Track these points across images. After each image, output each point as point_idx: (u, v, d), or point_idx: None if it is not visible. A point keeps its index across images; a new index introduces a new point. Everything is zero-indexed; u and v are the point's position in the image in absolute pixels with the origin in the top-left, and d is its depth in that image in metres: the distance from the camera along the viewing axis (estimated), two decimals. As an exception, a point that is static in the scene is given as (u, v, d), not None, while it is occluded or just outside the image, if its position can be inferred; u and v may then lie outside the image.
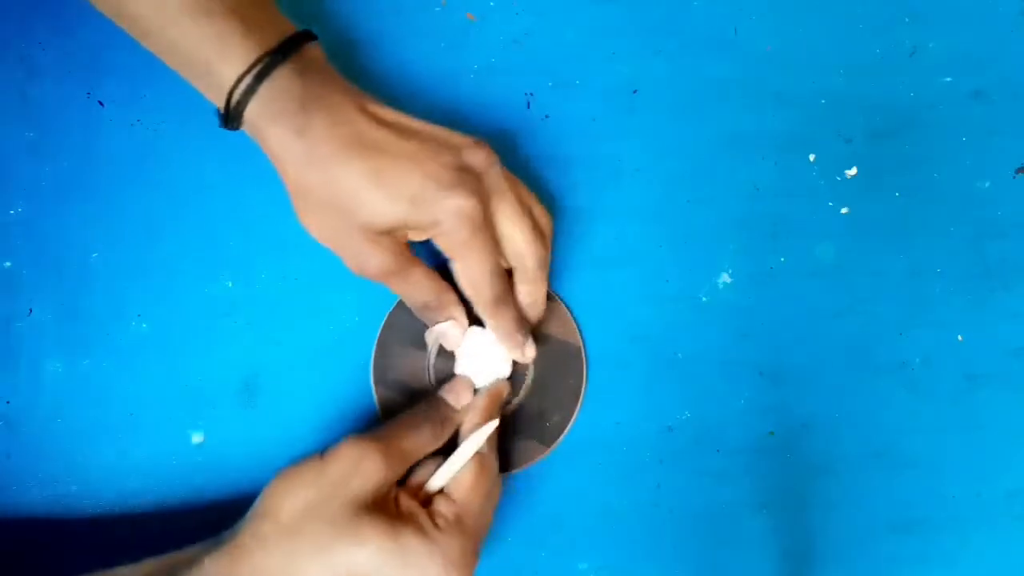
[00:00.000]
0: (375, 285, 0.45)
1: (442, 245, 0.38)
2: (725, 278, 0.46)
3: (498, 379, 0.43)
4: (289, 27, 0.38)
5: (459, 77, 0.46)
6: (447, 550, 0.35)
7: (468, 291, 0.39)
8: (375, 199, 0.36)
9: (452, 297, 0.41)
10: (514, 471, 0.44)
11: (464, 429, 0.40)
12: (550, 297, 0.43)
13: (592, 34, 0.47)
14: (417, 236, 0.38)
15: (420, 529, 0.35)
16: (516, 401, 0.44)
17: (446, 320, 0.41)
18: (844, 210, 0.47)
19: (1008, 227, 0.47)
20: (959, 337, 0.47)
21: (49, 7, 0.45)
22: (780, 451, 0.45)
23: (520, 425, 0.44)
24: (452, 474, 0.38)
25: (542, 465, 0.44)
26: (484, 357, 0.42)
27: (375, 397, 0.44)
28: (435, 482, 0.38)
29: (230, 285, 0.45)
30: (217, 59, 0.35)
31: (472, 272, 0.38)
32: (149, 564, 0.37)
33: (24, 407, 0.43)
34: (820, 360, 0.46)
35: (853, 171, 0.47)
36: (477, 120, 0.46)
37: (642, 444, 0.45)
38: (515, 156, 0.46)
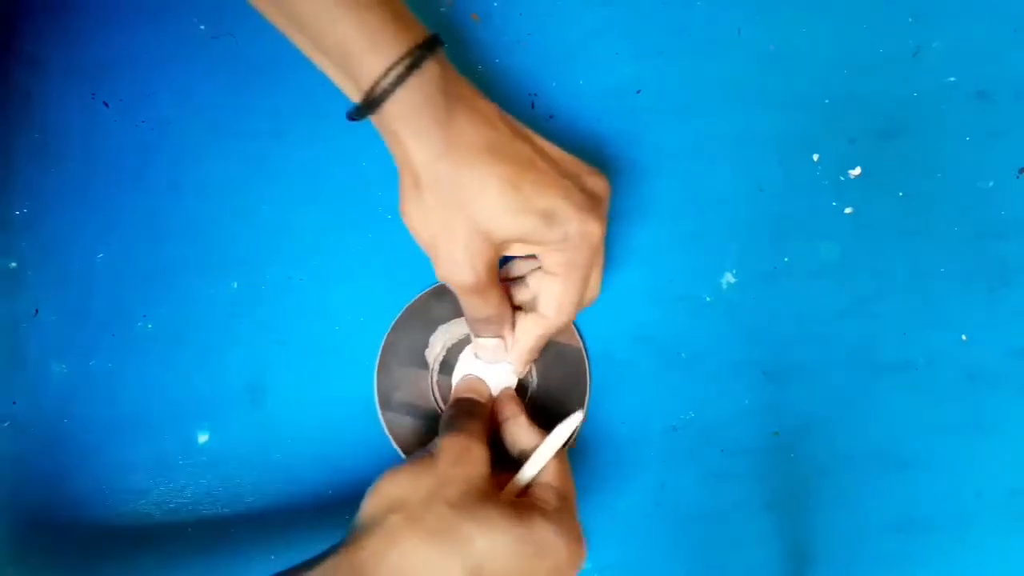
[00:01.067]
0: (378, 285, 0.45)
1: (551, 261, 0.38)
2: (729, 278, 0.46)
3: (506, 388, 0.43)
4: (426, 29, 0.38)
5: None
6: (569, 529, 0.36)
7: (549, 309, 0.39)
8: (505, 206, 0.36)
9: (512, 320, 0.41)
10: None
11: (503, 413, 0.41)
12: None
13: (596, 35, 0.47)
14: (523, 251, 0.38)
15: (544, 513, 0.36)
16: (525, 403, 0.44)
17: (494, 336, 0.41)
18: (848, 210, 0.47)
19: (1012, 227, 0.47)
20: (963, 337, 0.47)
21: (54, 8, 0.45)
22: (784, 451, 0.45)
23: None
24: (542, 464, 0.39)
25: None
26: (491, 373, 0.43)
27: (382, 422, 0.44)
28: (528, 472, 0.39)
29: (235, 286, 0.45)
30: (367, 49, 0.35)
31: (568, 295, 0.38)
32: None
33: (30, 407, 0.43)
34: (824, 360, 0.46)
35: (857, 171, 0.47)
36: (481, 120, 0.46)
37: (646, 444, 0.45)
38: (519, 156, 0.46)
